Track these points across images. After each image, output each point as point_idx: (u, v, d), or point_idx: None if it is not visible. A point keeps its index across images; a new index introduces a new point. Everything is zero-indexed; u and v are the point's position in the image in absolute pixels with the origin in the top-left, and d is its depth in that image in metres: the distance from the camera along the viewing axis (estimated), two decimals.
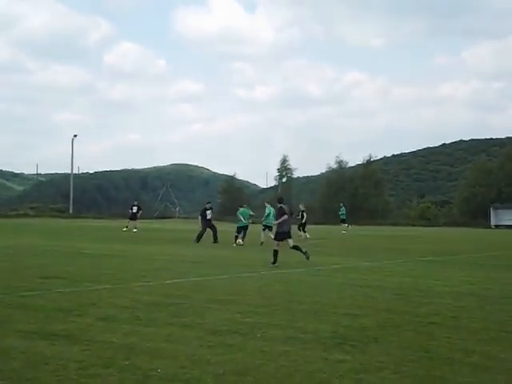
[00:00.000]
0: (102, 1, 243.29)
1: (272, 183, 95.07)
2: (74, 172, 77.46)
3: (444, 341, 7.66)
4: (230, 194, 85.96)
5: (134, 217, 39.40)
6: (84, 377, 5.77)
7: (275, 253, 17.41)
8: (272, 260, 17.32)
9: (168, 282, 12.98)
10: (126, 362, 6.29)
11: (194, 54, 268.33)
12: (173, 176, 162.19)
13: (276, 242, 17.81)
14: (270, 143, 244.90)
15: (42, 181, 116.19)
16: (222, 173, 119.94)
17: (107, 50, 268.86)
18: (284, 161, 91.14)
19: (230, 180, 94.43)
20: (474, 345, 7.47)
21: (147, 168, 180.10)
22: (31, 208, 75.21)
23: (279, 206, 18.45)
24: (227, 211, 74.73)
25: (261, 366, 6.28)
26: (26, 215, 66.76)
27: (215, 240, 27.81)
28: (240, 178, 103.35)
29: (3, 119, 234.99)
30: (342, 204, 48.57)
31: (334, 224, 61.95)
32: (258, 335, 7.73)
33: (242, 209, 28.33)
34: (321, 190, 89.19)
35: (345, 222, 45.91)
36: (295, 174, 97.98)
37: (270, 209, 26.81)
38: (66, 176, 76.38)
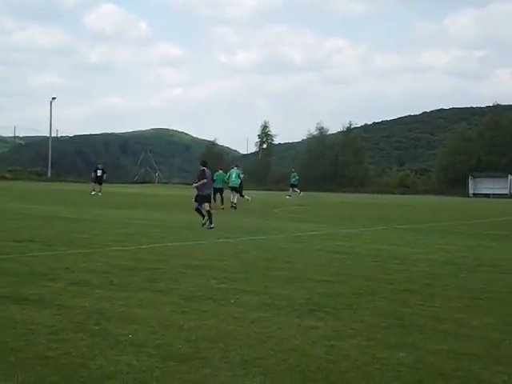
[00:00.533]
0: None
1: (253, 149, 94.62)
2: (53, 135, 76.77)
3: (417, 308, 7.67)
4: (210, 160, 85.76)
5: (99, 180, 38.89)
6: (53, 341, 5.70)
7: (197, 211, 17.96)
8: (202, 219, 17.80)
9: (144, 246, 12.91)
10: (97, 327, 6.22)
11: (176, 17, 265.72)
12: (153, 141, 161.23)
13: (196, 203, 18.08)
14: (252, 109, 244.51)
15: (20, 144, 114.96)
16: (202, 138, 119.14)
17: (87, 12, 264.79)
18: (264, 127, 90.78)
19: (211, 146, 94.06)
20: (446, 312, 7.49)
21: (127, 132, 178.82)
22: (9, 171, 74.51)
23: (202, 168, 18.35)
24: None
25: (232, 332, 6.25)
26: (3, 178, 66.13)
27: None
28: (221, 144, 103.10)
29: None
30: (293, 170, 50.12)
31: (314, 191, 62.08)
32: (232, 301, 7.69)
33: (218, 172, 28.85)
34: (301, 157, 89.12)
35: (296, 187, 46.73)
36: (276, 141, 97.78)
37: (232, 171, 29.41)
38: (45, 139, 75.52)
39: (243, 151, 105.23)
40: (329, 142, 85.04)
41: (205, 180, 17.98)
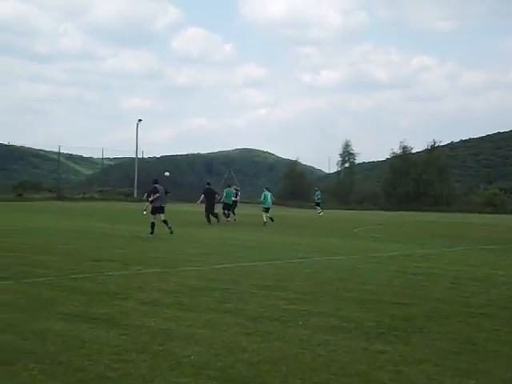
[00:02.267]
0: None
1: (335, 169, 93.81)
2: (140, 156, 78.51)
3: (493, 333, 7.35)
4: (292, 179, 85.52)
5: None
6: (116, 362, 5.74)
7: (152, 225, 20.73)
8: (150, 231, 20.53)
9: (217, 266, 12.94)
10: (160, 348, 6.24)
11: (260, 38, 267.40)
12: (238, 161, 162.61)
13: (152, 215, 21.32)
14: (335, 128, 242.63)
15: (110, 165, 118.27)
16: (286, 158, 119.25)
17: (175, 36, 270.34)
18: (346, 145, 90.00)
19: (293, 165, 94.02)
20: None
21: (212, 153, 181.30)
22: (98, 191, 76.58)
23: (153, 186, 21.85)
24: (289, 196, 74.54)
25: (297, 355, 6.14)
26: (92, 198, 68.00)
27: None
28: (305, 163, 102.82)
29: (75, 105, 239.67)
30: (316, 188, 50.01)
31: (397, 210, 61.14)
32: (300, 323, 7.58)
33: (228, 188, 31.86)
34: (384, 176, 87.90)
35: (319, 206, 46.39)
36: (359, 159, 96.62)
37: (266, 193, 31.53)
38: (132, 160, 77.27)
39: (326, 170, 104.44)
40: (412, 161, 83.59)
41: (157, 194, 21.45)
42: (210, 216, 29.16)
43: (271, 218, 30.48)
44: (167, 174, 28.31)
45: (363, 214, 50.17)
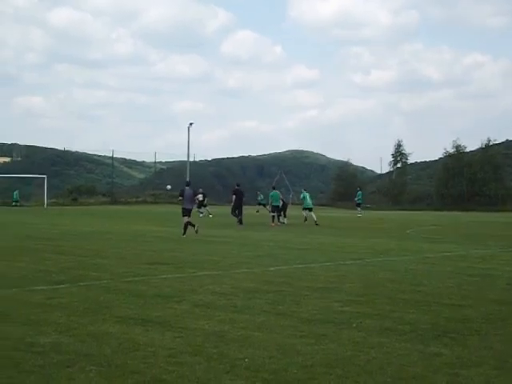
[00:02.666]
0: None
1: (387, 169, 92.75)
2: (191, 160, 79.16)
3: None
4: (344, 180, 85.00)
5: (201, 204, 40.11)
6: (171, 364, 5.79)
7: (185, 225, 21.82)
8: (183, 232, 21.64)
9: (271, 268, 12.95)
10: (215, 350, 6.27)
11: (310, 39, 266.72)
12: (289, 162, 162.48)
13: (183, 217, 22.22)
14: (387, 128, 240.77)
15: (162, 168, 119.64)
16: (337, 159, 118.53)
17: (224, 39, 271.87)
18: (398, 145, 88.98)
19: (345, 166, 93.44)
20: None
21: (264, 155, 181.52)
22: (151, 195, 77.48)
23: (181, 189, 23.11)
24: (341, 197, 74.07)
25: (351, 358, 6.09)
26: (145, 202, 68.90)
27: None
28: (356, 164, 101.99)
29: (127, 110, 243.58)
30: (358, 188, 49.65)
31: (451, 210, 60.23)
32: (354, 325, 7.52)
33: (273, 191, 32.00)
34: (437, 176, 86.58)
35: (359, 207, 46.27)
36: (412, 159, 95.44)
37: (304, 193, 32.82)
38: (184, 164, 77.87)
39: (378, 171, 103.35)
40: (466, 160, 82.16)
41: (180, 198, 22.83)
42: (234, 215, 30.53)
43: (306, 218, 31.57)
44: (169, 187, 31.58)
45: (416, 214, 49.54)
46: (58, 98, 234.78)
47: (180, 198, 22.84)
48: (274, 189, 32.94)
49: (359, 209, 45.77)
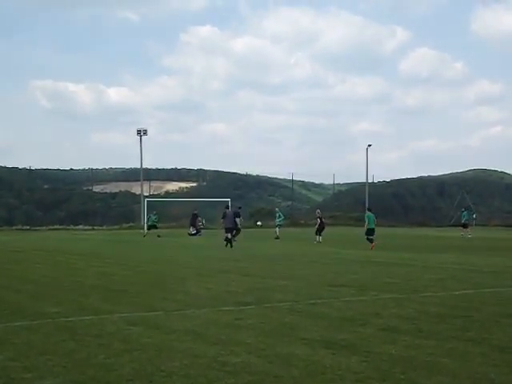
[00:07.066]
0: (398, 9, 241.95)
1: None
2: (370, 181, 78.69)
3: None
4: None
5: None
6: None
7: (226, 240, 27.85)
8: (225, 243, 27.65)
9: (456, 293, 12.52)
10: (402, 376, 6.15)
11: (494, 53, 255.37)
12: (470, 182, 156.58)
13: (226, 234, 28.27)
14: None
15: (340, 190, 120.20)
16: None
17: (402, 58, 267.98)
18: None
19: None
20: None
21: (444, 174, 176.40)
22: (330, 217, 77.86)
23: (223, 211, 29.68)
24: None
25: None
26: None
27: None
28: None
29: (307, 133, 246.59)
30: (463, 209, 46.86)
31: None
32: None
33: (368, 213, 30.44)
34: None
35: (466, 227, 42.45)
36: None
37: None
38: (363, 185, 77.73)
39: None
40: None
41: (222, 219, 29.38)
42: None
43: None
44: (259, 223, 41.02)
45: None
46: (240, 123, 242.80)
47: (222, 219, 28.83)
48: (369, 211, 31.10)
49: (466, 230, 42.47)
